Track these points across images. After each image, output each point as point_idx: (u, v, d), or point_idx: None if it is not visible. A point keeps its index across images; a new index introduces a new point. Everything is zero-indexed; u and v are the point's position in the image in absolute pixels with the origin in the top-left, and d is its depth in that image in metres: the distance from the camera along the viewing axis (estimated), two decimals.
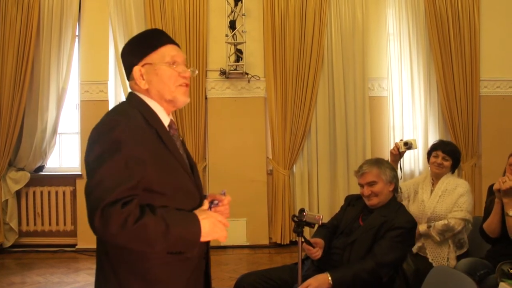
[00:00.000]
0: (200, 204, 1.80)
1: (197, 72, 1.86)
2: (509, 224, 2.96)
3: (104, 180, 1.51)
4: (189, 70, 1.82)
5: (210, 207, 1.85)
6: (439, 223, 3.40)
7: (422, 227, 3.45)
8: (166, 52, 1.78)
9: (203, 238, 1.64)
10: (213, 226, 1.67)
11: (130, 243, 1.54)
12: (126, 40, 1.83)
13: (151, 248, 1.57)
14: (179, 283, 1.72)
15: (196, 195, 1.79)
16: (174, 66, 1.78)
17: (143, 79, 1.77)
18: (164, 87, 1.77)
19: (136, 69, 1.77)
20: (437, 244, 3.45)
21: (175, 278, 1.70)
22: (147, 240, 1.53)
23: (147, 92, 1.77)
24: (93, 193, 1.51)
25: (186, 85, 1.82)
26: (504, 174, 3.16)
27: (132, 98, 1.79)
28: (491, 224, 3.12)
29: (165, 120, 1.79)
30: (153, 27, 5.37)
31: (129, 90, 1.84)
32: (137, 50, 1.79)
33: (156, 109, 1.77)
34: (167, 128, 1.78)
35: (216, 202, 1.90)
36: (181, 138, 1.88)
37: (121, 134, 1.57)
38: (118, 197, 1.50)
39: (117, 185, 1.51)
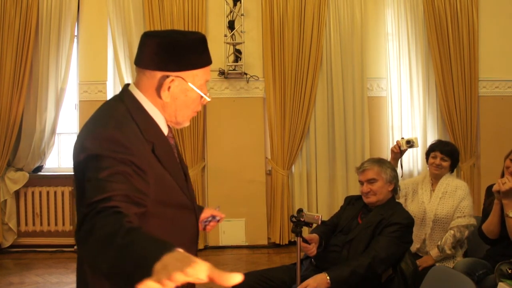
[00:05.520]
0: (195, 217, 1.71)
1: (209, 99, 1.66)
2: (509, 225, 2.96)
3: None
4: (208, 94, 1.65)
5: (208, 221, 1.87)
6: (448, 242, 3.38)
7: (434, 253, 3.42)
8: (204, 74, 1.60)
9: (158, 266, 1.05)
10: (176, 261, 1.06)
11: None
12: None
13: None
14: None
15: (190, 208, 1.68)
16: (203, 90, 1.61)
17: (168, 91, 1.56)
18: (183, 110, 1.61)
19: (169, 80, 1.54)
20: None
21: None
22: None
23: (157, 100, 1.58)
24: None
25: (197, 112, 1.67)
26: (502, 176, 3.16)
27: (129, 102, 1.58)
28: (490, 225, 3.12)
29: (165, 129, 1.63)
30: (152, 27, 5.36)
31: (129, 82, 1.65)
32: (179, 56, 1.55)
33: (157, 118, 1.60)
34: (167, 138, 1.64)
35: (217, 218, 1.91)
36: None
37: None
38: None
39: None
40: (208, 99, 1.64)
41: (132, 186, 1.39)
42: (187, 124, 1.67)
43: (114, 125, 1.47)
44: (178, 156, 1.70)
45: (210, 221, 1.89)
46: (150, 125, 1.57)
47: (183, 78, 1.56)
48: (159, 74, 1.55)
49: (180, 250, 1.10)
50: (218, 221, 1.92)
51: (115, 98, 1.63)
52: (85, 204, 1.32)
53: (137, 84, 1.61)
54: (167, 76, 1.55)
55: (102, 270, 1.20)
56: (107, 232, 1.22)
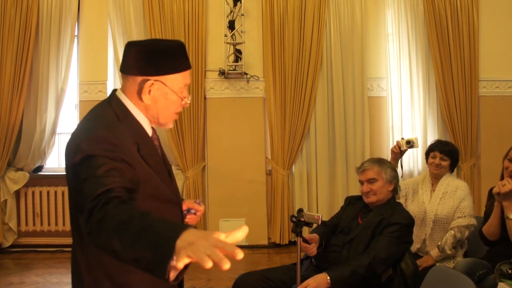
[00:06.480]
0: (181, 211, 1.83)
1: (189, 101, 1.79)
2: (510, 227, 2.96)
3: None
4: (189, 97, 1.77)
5: (184, 215, 1.88)
6: (448, 242, 3.37)
7: (434, 253, 3.42)
8: (183, 79, 1.72)
9: (180, 243, 1.15)
10: (201, 239, 1.15)
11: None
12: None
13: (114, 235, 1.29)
14: None
15: (176, 202, 1.80)
16: (183, 94, 1.73)
17: (149, 94, 1.68)
18: (165, 112, 1.73)
19: (148, 83, 1.67)
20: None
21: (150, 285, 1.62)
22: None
23: (140, 103, 1.71)
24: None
25: (179, 113, 1.79)
26: (502, 178, 3.16)
27: (116, 106, 1.70)
28: (490, 227, 3.12)
29: (149, 130, 1.75)
30: (152, 27, 5.37)
31: (117, 88, 1.77)
32: (158, 62, 1.67)
33: (142, 120, 1.73)
34: (151, 139, 1.75)
35: (193, 211, 1.92)
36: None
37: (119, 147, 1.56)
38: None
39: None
40: (188, 101, 1.76)
41: (126, 179, 1.50)
42: (170, 125, 1.80)
43: (104, 127, 1.60)
44: (162, 155, 1.81)
45: (185, 214, 1.89)
46: (135, 127, 1.70)
47: (162, 82, 1.68)
48: (140, 78, 1.68)
49: (193, 228, 1.21)
50: (195, 214, 1.93)
51: (104, 102, 1.76)
52: (88, 200, 1.41)
53: (122, 89, 1.74)
54: (147, 80, 1.67)
55: (122, 256, 1.27)
56: (121, 219, 1.30)
